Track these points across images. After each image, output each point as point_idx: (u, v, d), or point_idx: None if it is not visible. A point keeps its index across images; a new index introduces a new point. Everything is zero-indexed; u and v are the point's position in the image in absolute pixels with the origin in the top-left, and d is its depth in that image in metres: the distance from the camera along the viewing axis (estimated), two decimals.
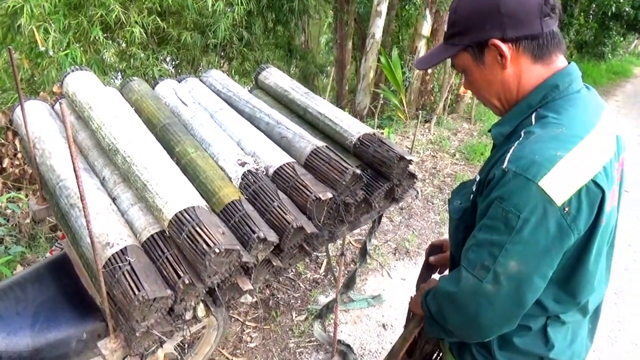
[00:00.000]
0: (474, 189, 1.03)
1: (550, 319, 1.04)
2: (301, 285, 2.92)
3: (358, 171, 1.47)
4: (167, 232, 1.19)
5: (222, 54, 7.29)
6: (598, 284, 1.03)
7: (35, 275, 1.39)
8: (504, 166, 0.89)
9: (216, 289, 1.18)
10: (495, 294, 0.91)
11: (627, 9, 13.52)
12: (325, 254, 3.21)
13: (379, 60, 6.97)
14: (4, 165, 3.57)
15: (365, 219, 1.69)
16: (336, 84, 9.92)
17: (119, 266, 1.08)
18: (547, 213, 0.85)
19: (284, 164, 1.45)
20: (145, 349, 1.21)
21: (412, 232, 3.72)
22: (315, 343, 2.46)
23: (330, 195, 1.40)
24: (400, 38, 10.10)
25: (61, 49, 4.90)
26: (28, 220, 3.09)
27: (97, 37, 4.93)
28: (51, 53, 5.13)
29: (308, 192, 1.37)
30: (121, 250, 1.12)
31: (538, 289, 0.91)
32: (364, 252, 2.20)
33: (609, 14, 12.91)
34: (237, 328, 2.51)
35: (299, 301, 2.78)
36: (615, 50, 16.53)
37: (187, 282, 1.11)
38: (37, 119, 1.43)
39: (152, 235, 1.20)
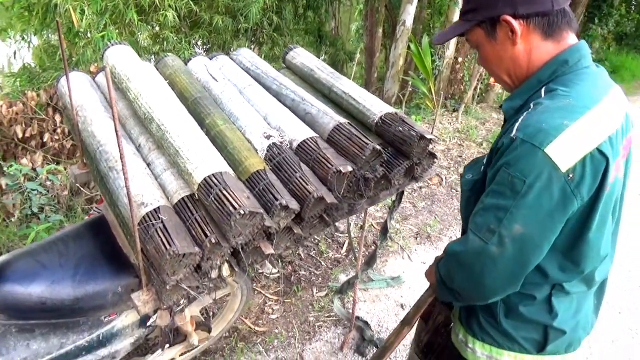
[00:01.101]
0: (484, 162, 1.09)
1: (555, 289, 1.08)
2: (323, 263, 3.00)
3: (378, 147, 1.53)
4: (196, 195, 1.28)
5: (253, 38, 7.38)
6: (603, 255, 1.06)
7: (76, 234, 1.50)
8: (512, 134, 0.94)
9: (240, 250, 1.27)
10: (499, 256, 0.96)
11: None
12: (347, 234, 3.28)
13: (409, 48, 6.93)
14: (45, 140, 3.76)
15: (385, 195, 1.74)
16: (365, 71, 9.89)
17: (152, 224, 1.18)
18: (552, 179, 0.89)
19: (307, 139, 1.52)
20: (175, 303, 1.31)
21: (434, 218, 3.75)
22: (334, 318, 2.54)
23: (350, 168, 1.46)
24: (432, 26, 9.97)
25: (97, 31, 5.07)
26: (66, 193, 3.26)
27: (132, 20, 5.06)
28: (88, 34, 5.31)
29: (329, 165, 1.44)
30: (155, 209, 1.22)
31: (541, 252, 0.95)
32: (385, 231, 2.26)
33: None
34: (260, 300, 2.62)
35: (320, 278, 2.86)
36: None
37: (213, 241, 1.20)
38: (80, 89, 1.54)
39: (182, 198, 1.29)
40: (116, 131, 0.96)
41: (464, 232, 1.24)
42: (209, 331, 1.94)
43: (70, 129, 1.77)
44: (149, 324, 1.58)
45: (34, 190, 2.99)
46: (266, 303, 2.61)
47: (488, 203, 0.98)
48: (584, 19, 10.23)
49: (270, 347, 2.33)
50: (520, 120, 0.96)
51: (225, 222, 1.18)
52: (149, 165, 1.37)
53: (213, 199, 1.20)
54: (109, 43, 1.56)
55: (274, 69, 1.98)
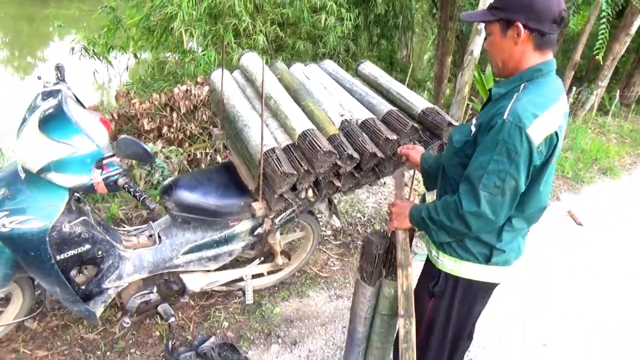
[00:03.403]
0: (472, 129, 1.51)
1: (506, 223, 1.53)
2: None
3: (415, 125, 2.24)
4: (296, 143, 2.06)
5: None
6: (544, 204, 1.56)
7: (216, 169, 2.36)
8: (504, 117, 1.35)
9: (321, 179, 2.03)
10: (504, 201, 1.41)
11: None
12: None
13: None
14: (163, 131, 4.77)
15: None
16: (433, 98, 10.49)
17: (270, 155, 1.97)
18: (532, 151, 1.35)
19: (368, 118, 2.26)
20: (277, 212, 2.09)
21: None
22: None
23: (395, 137, 2.18)
24: None
25: (200, 50, 6.03)
26: (176, 173, 4.22)
27: (229, 42, 5.93)
28: (195, 51, 6.31)
29: (380, 134, 2.17)
30: (271, 149, 2.01)
31: (521, 193, 1.44)
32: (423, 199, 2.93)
33: None
34: (325, 256, 3.35)
35: None
36: None
37: (306, 168, 1.96)
38: (224, 80, 2.39)
39: (287, 145, 2.07)
40: (262, 105, 1.76)
41: (444, 176, 1.69)
42: (289, 258, 2.71)
43: (214, 104, 2.63)
44: (255, 232, 2.36)
45: (160, 165, 3.95)
46: (329, 259, 3.34)
47: (491, 168, 1.37)
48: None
49: (331, 287, 3.05)
50: (509, 107, 1.36)
51: (314, 156, 1.94)
52: (267, 125, 2.18)
53: (307, 142, 1.97)
54: (243, 50, 2.42)
55: (349, 75, 2.76)
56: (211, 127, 4.46)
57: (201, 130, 4.84)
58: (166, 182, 2.18)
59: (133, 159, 1.73)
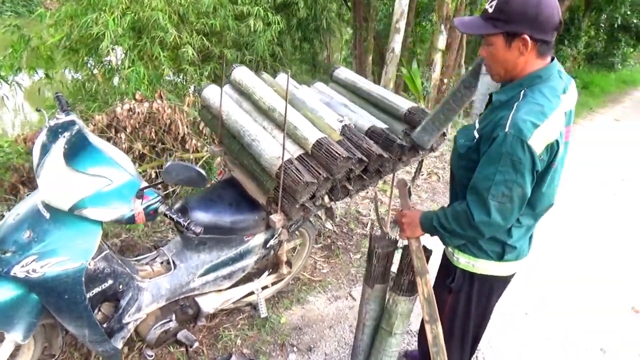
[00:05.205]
0: (475, 134, 1.54)
1: (515, 222, 1.58)
2: (353, 237, 3.80)
3: (402, 142, 2.31)
4: (309, 152, 2.09)
5: (256, 68, 8.23)
6: (549, 203, 1.63)
7: (223, 185, 2.32)
8: (506, 130, 1.38)
9: (337, 183, 2.08)
10: (512, 207, 1.47)
11: (634, 21, 14.00)
12: (367, 217, 4.09)
13: (397, 72, 7.87)
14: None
15: (414, 160, 2.56)
16: None
17: (289, 166, 1.98)
18: (534, 160, 1.39)
19: (372, 125, 2.35)
20: (296, 221, 2.11)
21: (436, 204, 4.59)
22: None
23: (397, 140, 2.28)
24: (416, 52, 11.03)
25: (126, 66, 5.77)
26: None
27: (156, 56, 5.71)
28: (123, 68, 6.03)
29: (381, 135, 2.27)
30: (288, 160, 2.02)
31: (528, 198, 1.50)
32: (409, 193, 3.08)
33: (616, 25, 13.44)
34: (312, 261, 3.39)
35: (354, 247, 3.66)
36: (626, 61, 16.92)
37: (325, 176, 2.01)
38: (218, 96, 2.34)
39: (299, 155, 2.10)
40: (285, 115, 1.78)
41: (452, 179, 1.79)
42: (291, 266, 2.73)
43: (206, 122, 2.57)
44: (268, 245, 2.35)
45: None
46: (317, 263, 3.39)
47: (498, 179, 1.42)
48: (555, 41, 11.33)
49: (327, 290, 3.11)
50: (509, 119, 1.38)
51: (333, 163, 1.99)
52: (274, 137, 2.19)
53: (324, 151, 2.02)
54: (233, 65, 2.39)
55: (337, 94, 2.81)
56: (198, 143, 4.34)
57: (150, 149, 4.68)
58: (177, 204, 2.12)
59: (185, 184, 1.67)
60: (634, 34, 14.78)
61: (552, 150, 1.43)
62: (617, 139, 7.69)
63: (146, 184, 1.65)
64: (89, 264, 1.70)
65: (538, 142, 1.38)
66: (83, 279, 1.61)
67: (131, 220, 1.62)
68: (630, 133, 8.42)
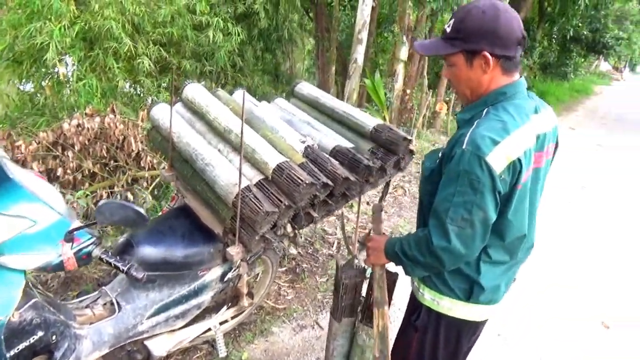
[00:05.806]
0: (439, 155, 1.45)
1: (482, 253, 1.43)
2: (320, 258, 3.62)
3: (369, 163, 2.16)
4: (269, 177, 1.90)
5: (217, 79, 8.00)
6: (520, 233, 1.44)
7: (175, 214, 2.09)
8: (463, 147, 1.28)
9: (300, 211, 1.90)
10: (474, 233, 1.33)
11: (585, 33, 14.65)
12: (334, 236, 3.93)
13: (360, 83, 7.81)
14: (58, 174, 4.19)
15: (381, 181, 2.41)
16: None
17: (247, 194, 1.79)
18: (494, 178, 1.26)
19: (337, 145, 2.18)
20: (254, 253, 1.91)
21: (403, 220, 4.48)
22: None
23: (365, 161, 2.12)
24: (379, 63, 11.04)
25: (76, 79, 5.46)
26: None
27: (110, 68, 5.46)
28: (72, 80, 5.71)
29: (347, 155, 2.11)
30: (246, 187, 1.83)
31: (492, 223, 1.35)
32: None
33: (568, 37, 13.90)
34: (275, 287, 3.19)
35: (320, 269, 3.48)
36: (577, 71, 17.64)
37: (287, 204, 1.83)
38: (168, 115, 2.13)
39: (258, 181, 1.91)
40: (241, 137, 1.59)
41: (421, 204, 1.65)
42: (252, 297, 2.52)
43: (156, 144, 2.33)
44: (225, 278, 2.14)
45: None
46: (281, 288, 3.19)
47: (456, 201, 1.30)
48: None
49: (291, 318, 2.91)
50: (467, 136, 1.29)
51: (295, 190, 1.81)
52: (230, 161, 1.99)
53: (285, 176, 1.83)
54: (186, 82, 2.18)
55: (285, 100, 2.65)
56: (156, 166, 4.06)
57: (101, 167, 4.38)
58: (120, 239, 1.88)
59: (122, 225, 1.45)
60: (584, 44, 15.45)
61: (515, 169, 1.30)
62: (574, 147, 7.85)
63: (78, 224, 1.42)
64: (12, 316, 1.45)
65: (498, 160, 1.26)
66: (2, 336, 1.36)
67: (59, 267, 1.38)
68: (585, 141, 8.64)
